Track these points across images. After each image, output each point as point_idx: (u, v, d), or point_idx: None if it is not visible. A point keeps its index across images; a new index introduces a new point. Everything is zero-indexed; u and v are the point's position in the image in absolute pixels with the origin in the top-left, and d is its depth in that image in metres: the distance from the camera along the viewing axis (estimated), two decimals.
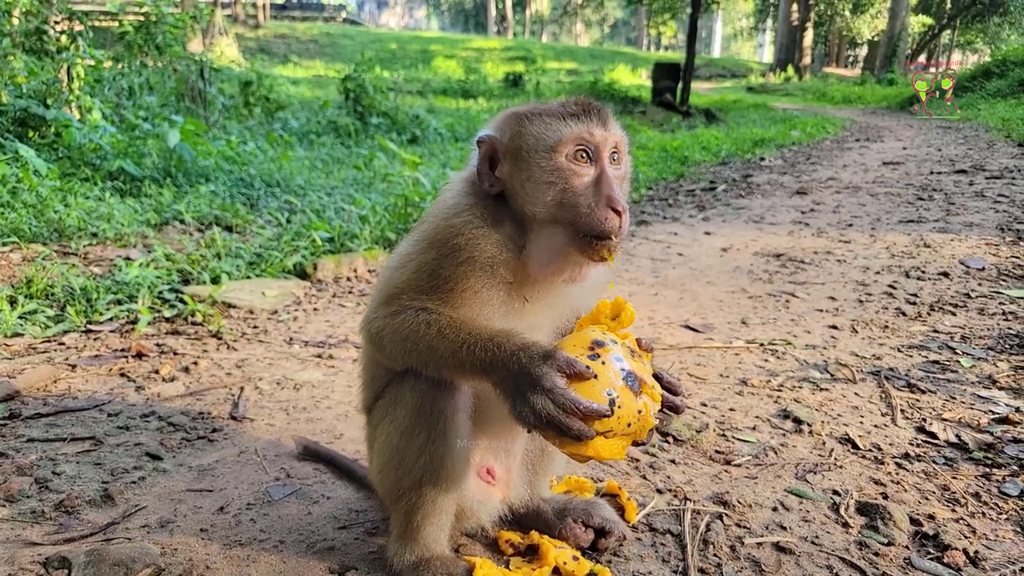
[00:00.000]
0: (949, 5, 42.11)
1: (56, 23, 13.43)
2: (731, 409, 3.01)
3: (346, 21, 55.29)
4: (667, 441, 2.71)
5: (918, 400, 3.11)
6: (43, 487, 2.24)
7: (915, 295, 4.62)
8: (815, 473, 2.48)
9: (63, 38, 11.22)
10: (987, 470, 2.50)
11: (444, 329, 1.57)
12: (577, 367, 1.44)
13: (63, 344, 3.58)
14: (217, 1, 31.55)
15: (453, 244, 1.64)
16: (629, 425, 1.47)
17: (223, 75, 14.45)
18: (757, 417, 2.93)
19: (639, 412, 1.48)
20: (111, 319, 3.94)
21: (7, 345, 3.50)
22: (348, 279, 5.04)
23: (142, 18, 14.69)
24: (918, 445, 2.70)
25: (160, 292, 4.29)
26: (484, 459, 1.97)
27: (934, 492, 2.37)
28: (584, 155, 1.61)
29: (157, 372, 3.26)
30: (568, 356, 1.46)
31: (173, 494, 2.25)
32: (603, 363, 1.47)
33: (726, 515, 2.20)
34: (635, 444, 1.53)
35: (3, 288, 4.03)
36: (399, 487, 1.76)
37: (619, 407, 1.45)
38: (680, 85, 23.15)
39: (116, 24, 15.21)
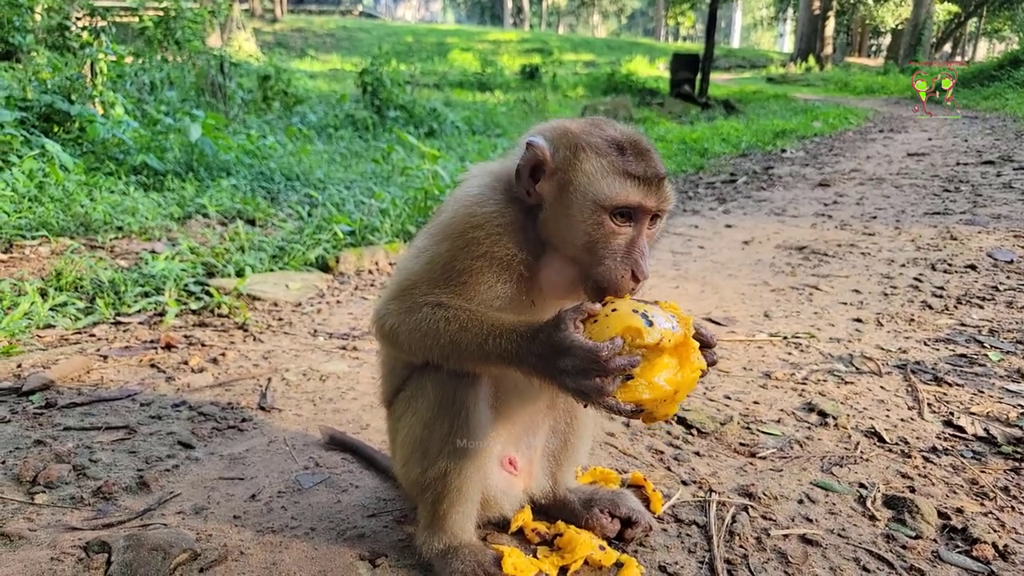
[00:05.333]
0: None
1: (78, 19, 13.58)
2: (755, 402, 3.01)
3: (362, 14, 55.27)
4: (691, 433, 2.72)
5: (945, 394, 3.08)
6: (81, 474, 2.29)
7: (941, 288, 4.58)
8: (841, 466, 2.48)
9: (85, 34, 11.36)
10: (1016, 464, 2.48)
11: (466, 323, 1.57)
12: (587, 306, 1.47)
13: (94, 335, 3.64)
14: None
15: (471, 237, 1.63)
16: (674, 329, 1.47)
17: (242, 70, 14.56)
18: (781, 410, 2.93)
19: (671, 316, 1.49)
20: (139, 311, 4.00)
21: (40, 336, 3.57)
22: (370, 272, 5.07)
23: (161, 13, 14.83)
24: (945, 439, 2.69)
25: (186, 284, 4.35)
26: (506, 449, 1.98)
27: (962, 486, 2.36)
28: (628, 217, 1.58)
29: (186, 363, 3.31)
30: (575, 305, 1.48)
31: (206, 482, 2.29)
32: (615, 308, 1.49)
33: (752, 507, 2.20)
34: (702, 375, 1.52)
35: (34, 281, 4.11)
36: (424, 478, 1.77)
37: (652, 316, 1.46)
38: (699, 76, 22.98)
39: (136, 19, 15.35)
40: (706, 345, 1.60)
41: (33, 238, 5.13)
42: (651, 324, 1.45)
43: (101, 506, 2.12)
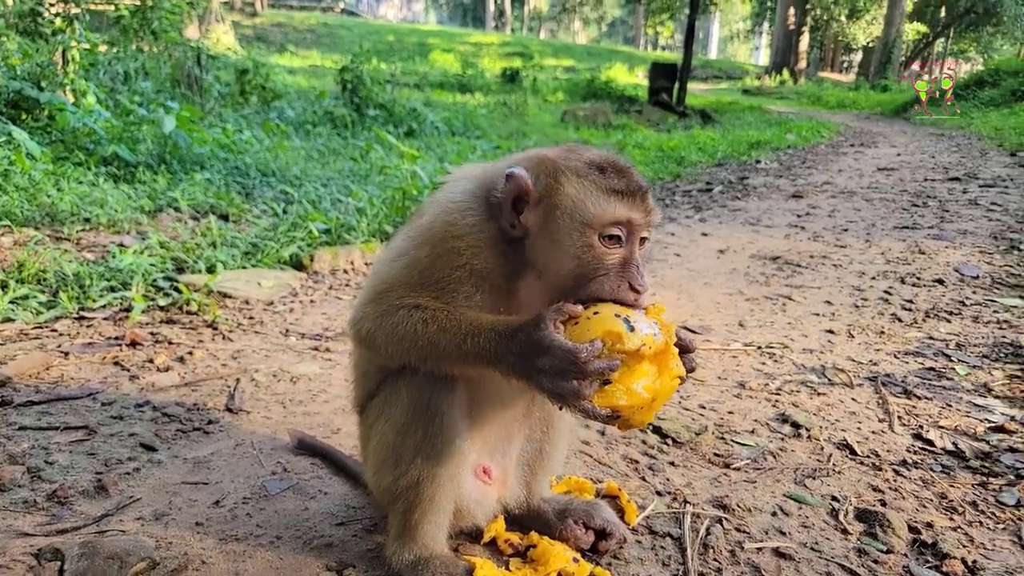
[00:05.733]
0: (943, 13, 42.22)
1: (51, 5, 13.29)
2: (730, 412, 3.00)
3: (344, 12, 54.84)
4: (666, 443, 2.70)
5: (915, 407, 3.11)
6: (35, 476, 2.21)
7: (910, 301, 4.63)
8: (814, 478, 2.48)
9: (58, 20, 11.12)
10: (984, 479, 2.51)
11: (444, 324, 1.55)
12: (568, 307, 1.45)
13: (55, 331, 3.53)
14: None
15: (452, 247, 1.60)
16: (655, 336, 1.45)
17: (219, 63, 14.33)
18: (756, 421, 2.93)
19: (654, 323, 1.47)
20: (104, 306, 3.89)
21: None
22: (345, 271, 5.00)
23: (138, 2, 14.57)
24: (915, 452, 2.71)
25: (154, 280, 4.24)
26: (480, 458, 1.95)
27: (932, 500, 2.37)
28: (618, 237, 1.55)
29: (151, 361, 3.22)
30: (556, 306, 1.46)
31: (168, 486, 2.22)
32: (597, 312, 1.47)
33: (726, 519, 2.19)
34: (680, 381, 1.50)
35: None
36: (396, 486, 1.73)
37: (634, 322, 1.44)
38: (676, 85, 23.18)
39: (112, 8, 15.07)
40: (685, 351, 1.59)
41: None
42: (632, 330, 1.43)
43: (56, 511, 2.04)
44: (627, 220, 1.55)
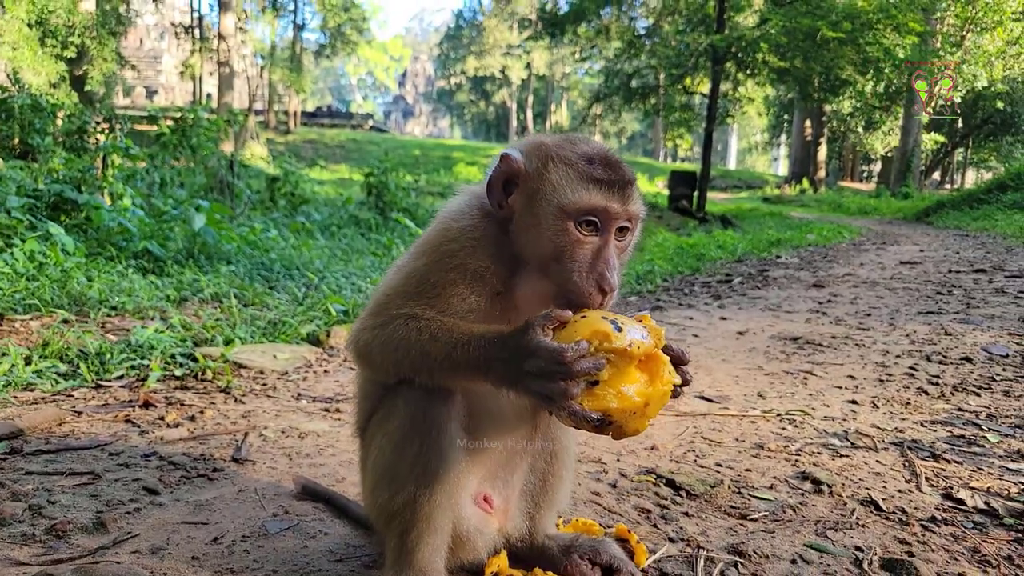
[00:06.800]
0: (961, 124, 43.10)
1: (97, 123, 14.12)
2: (747, 470, 2.90)
3: (373, 129, 57.33)
4: (680, 495, 2.61)
5: (943, 469, 2.98)
6: (36, 513, 2.18)
7: (937, 376, 4.51)
8: (836, 530, 2.36)
9: (102, 137, 11.79)
10: (1019, 535, 2.37)
11: (436, 333, 1.55)
12: (556, 312, 1.45)
13: (72, 395, 3.57)
14: (251, 107, 33.28)
15: (446, 249, 1.64)
16: (644, 339, 1.43)
17: (251, 171, 14.99)
18: (775, 478, 2.82)
19: (643, 328, 1.46)
20: (121, 376, 3.92)
21: (17, 396, 3.49)
22: None
23: (179, 121, 15.46)
24: (945, 510, 2.58)
25: (172, 355, 4.28)
26: (481, 486, 1.90)
27: (963, 553, 2.24)
28: (594, 225, 1.58)
29: (163, 419, 3.22)
30: (544, 312, 1.46)
31: (167, 525, 2.17)
32: (584, 315, 1.46)
33: (741, 564, 2.08)
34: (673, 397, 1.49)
35: (20, 349, 4.04)
36: (392, 504, 1.68)
37: (622, 324, 1.42)
38: (696, 193, 23.66)
39: (154, 128, 15.98)
40: (678, 362, 1.57)
41: (25, 312, 5.11)
42: (620, 330, 1.42)
43: (53, 543, 2.01)
44: (603, 208, 1.57)
